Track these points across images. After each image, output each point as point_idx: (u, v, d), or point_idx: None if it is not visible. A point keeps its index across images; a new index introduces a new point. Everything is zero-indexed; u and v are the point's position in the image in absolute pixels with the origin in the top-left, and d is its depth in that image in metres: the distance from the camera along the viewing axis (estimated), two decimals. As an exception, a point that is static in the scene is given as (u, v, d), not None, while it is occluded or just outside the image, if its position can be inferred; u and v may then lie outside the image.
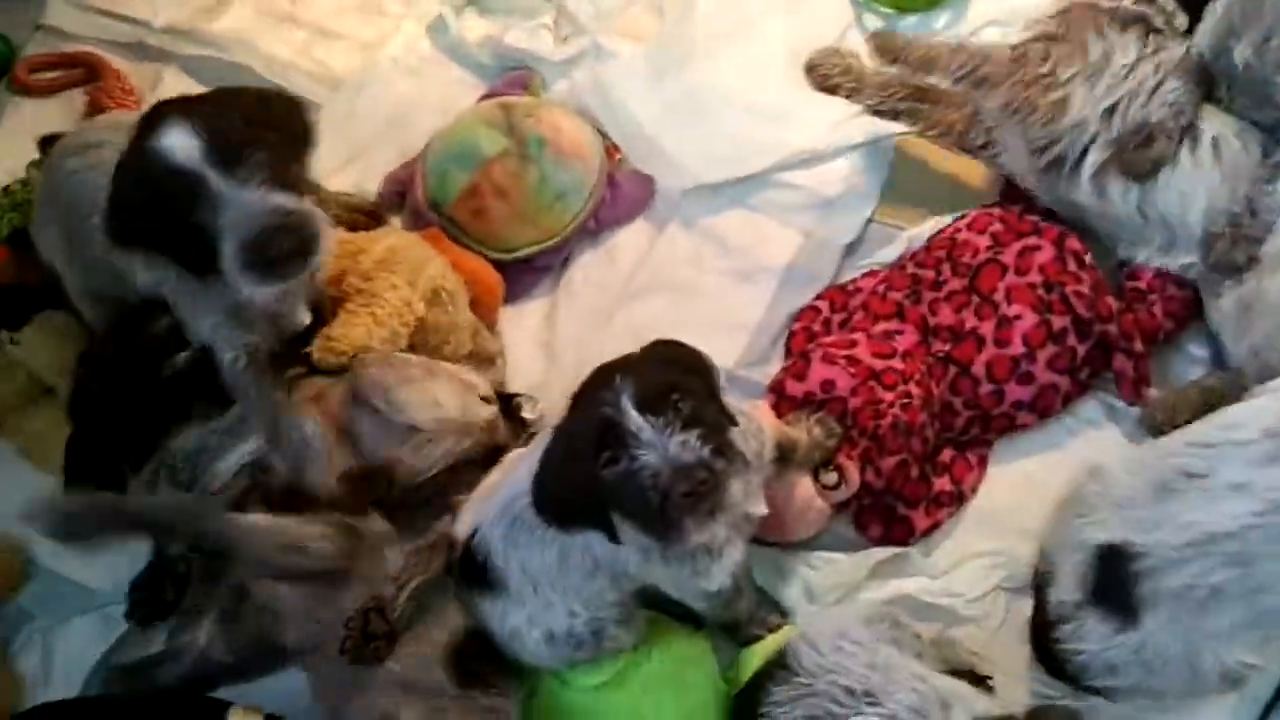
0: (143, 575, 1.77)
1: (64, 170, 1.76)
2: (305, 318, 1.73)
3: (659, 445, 1.28)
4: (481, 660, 1.60)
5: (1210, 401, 1.74)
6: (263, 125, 1.46)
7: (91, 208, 1.58)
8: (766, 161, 2.10)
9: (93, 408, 1.79)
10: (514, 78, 2.21)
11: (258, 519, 1.60)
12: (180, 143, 1.38)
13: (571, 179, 2.03)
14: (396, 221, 2.12)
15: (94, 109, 2.16)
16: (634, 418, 1.29)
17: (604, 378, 1.34)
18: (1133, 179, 1.85)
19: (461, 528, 1.59)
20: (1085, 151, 1.85)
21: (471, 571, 1.57)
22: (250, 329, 1.63)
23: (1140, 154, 1.83)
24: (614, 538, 1.38)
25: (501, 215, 2.00)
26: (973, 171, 2.12)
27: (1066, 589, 1.59)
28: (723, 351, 1.93)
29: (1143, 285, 1.90)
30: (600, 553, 1.48)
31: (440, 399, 1.73)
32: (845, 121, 2.15)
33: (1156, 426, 1.83)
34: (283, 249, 1.43)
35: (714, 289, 2.06)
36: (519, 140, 2.01)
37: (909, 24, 2.26)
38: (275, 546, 1.56)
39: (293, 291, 1.63)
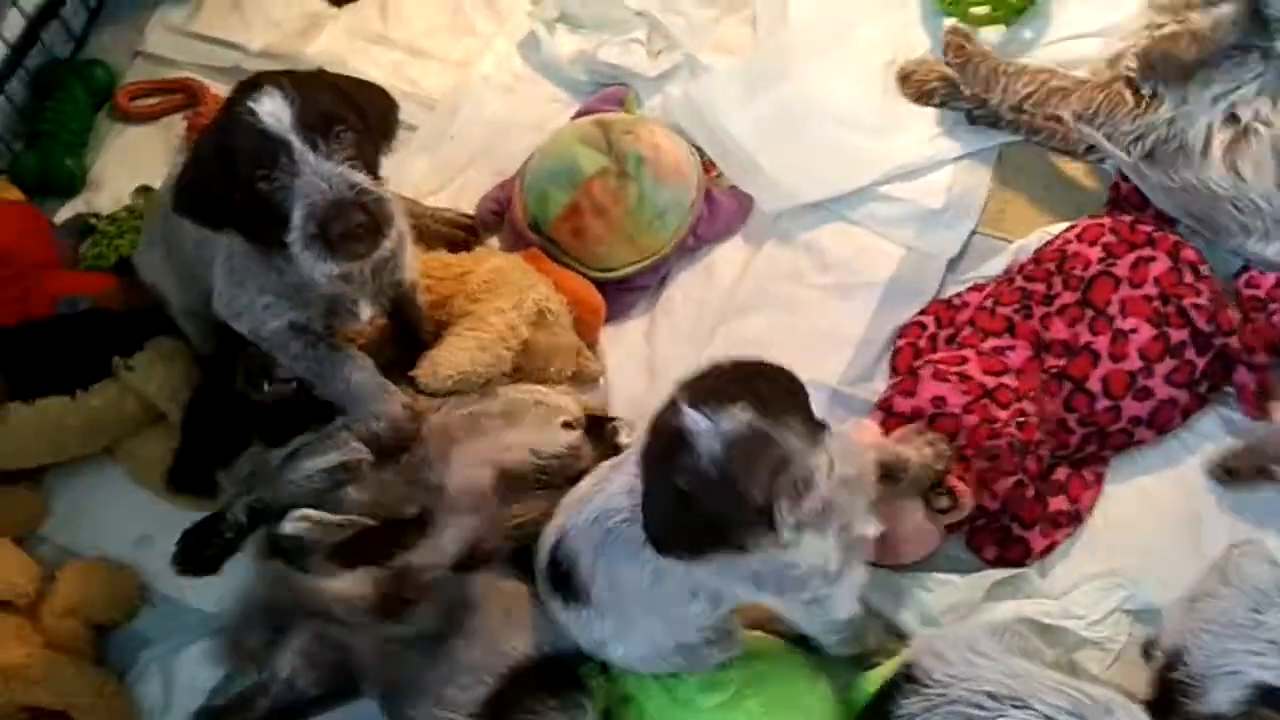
0: (195, 527, 1.75)
1: (168, 187, 1.79)
2: (366, 313, 1.70)
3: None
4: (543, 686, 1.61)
5: None
6: (352, 107, 1.50)
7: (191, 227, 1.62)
8: (864, 178, 2.08)
9: (201, 431, 1.84)
10: (609, 94, 2.20)
11: (347, 583, 1.58)
12: (271, 107, 1.42)
13: (671, 197, 2.01)
14: (495, 242, 2.12)
15: (195, 134, 2.18)
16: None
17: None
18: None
19: (549, 535, 1.59)
20: (1210, 131, 1.81)
21: (556, 579, 1.57)
22: (305, 308, 1.64)
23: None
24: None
25: (602, 234, 1.99)
26: (1079, 180, 2.09)
27: (1219, 705, 1.52)
28: (826, 368, 1.95)
29: (1262, 293, 1.85)
30: (701, 577, 1.46)
31: (475, 473, 1.70)
32: (944, 133, 2.13)
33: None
34: (350, 224, 1.43)
35: (814, 305, 2.03)
36: (618, 158, 2.00)
37: (993, 37, 2.21)
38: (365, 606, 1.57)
39: (357, 280, 1.63)
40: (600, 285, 2.02)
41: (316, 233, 1.43)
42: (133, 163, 2.22)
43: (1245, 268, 1.91)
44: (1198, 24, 1.77)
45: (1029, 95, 2.00)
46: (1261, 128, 1.80)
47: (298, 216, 1.43)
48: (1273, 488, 1.76)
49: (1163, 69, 1.81)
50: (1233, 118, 1.80)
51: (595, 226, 1.98)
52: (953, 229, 2.05)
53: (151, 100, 2.29)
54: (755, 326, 2.02)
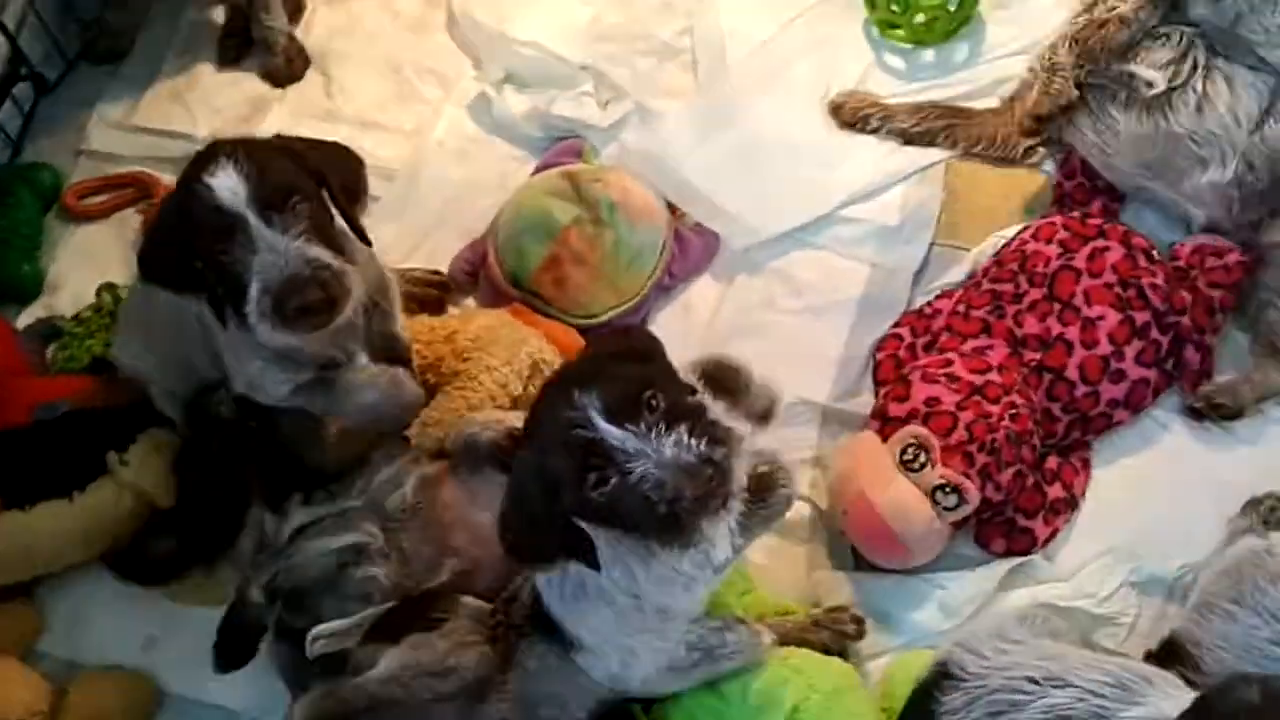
0: (226, 622, 1.73)
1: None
2: (363, 361, 1.72)
3: (650, 452, 1.21)
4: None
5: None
6: (311, 174, 1.52)
7: (164, 304, 1.64)
8: (822, 207, 2.16)
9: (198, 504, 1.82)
10: (565, 147, 2.25)
11: (391, 662, 1.56)
12: (227, 183, 1.44)
13: (645, 238, 2.07)
14: (471, 303, 2.14)
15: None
16: (611, 431, 1.21)
17: (561, 394, 1.25)
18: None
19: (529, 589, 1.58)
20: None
21: (548, 630, 1.56)
22: (300, 369, 1.65)
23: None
24: (595, 565, 1.33)
25: (583, 282, 2.03)
26: (1024, 185, 2.20)
27: None
28: (813, 387, 2.02)
29: (1182, 263, 1.99)
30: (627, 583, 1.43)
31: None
32: (889, 154, 2.23)
33: (1217, 406, 1.92)
34: (306, 300, 1.46)
35: (791, 329, 2.09)
36: (590, 205, 2.05)
37: (927, 58, 2.35)
38: (416, 677, 1.55)
39: (344, 334, 1.64)
40: (584, 333, 2.05)
41: (271, 308, 1.46)
42: (89, 262, 2.19)
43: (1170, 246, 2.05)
44: (1122, 8, 1.92)
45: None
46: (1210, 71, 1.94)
47: (254, 290, 1.46)
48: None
49: (1099, 53, 1.95)
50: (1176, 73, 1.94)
51: (576, 275, 2.02)
52: (912, 243, 2.15)
53: (101, 197, 2.26)
54: (737, 355, 2.06)
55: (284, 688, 1.74)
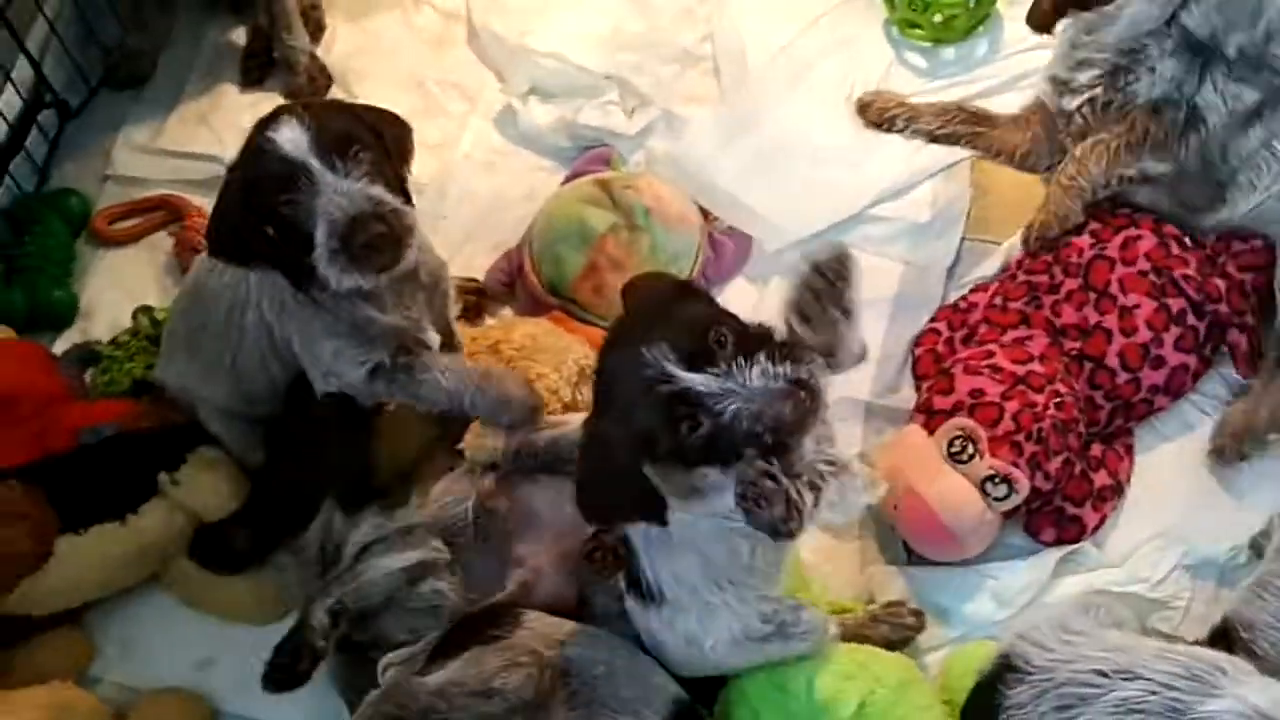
0: (284, 642, 1.71)
1: (193, 286, 1.81)
2: (434, 339, 1.75)
3: (738, 388, 1.21)
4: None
5: None
6: (368, 129, 1.56)
7: (213, 314, 1.71)
8: (851, 207, 2.18)
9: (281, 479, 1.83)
10: (594, 155, 2.26)
11: (443, 675, 1.55)
12: (289, 135, 1.49)
13: (681, 242, 2.08)
14: (508, 313, 2.15)
15: (184, 248, 2.16)
16: (693, 378, 1.22)
17: (629, 355, 1.25)
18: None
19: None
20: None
21: (631, 583, 1.58)
22: (374, 346, 1.67)
23: None
24: (664, 520, 1.33)
25: (616, 285, 2.03)
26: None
27: None
28: (854, 384, 2.02)
29: (1208, 249, 2.00)
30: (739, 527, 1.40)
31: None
32: (916, 152, 2.25)
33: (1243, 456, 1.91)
34: (371, 235, 1.49)
35: (828, 328, 2.11)
36: (625, 212, 2.06)
37: (948, 55, 2.38)
38: (461, 695, 1.54)
39: (412, 302, 1.68)
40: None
41: (339, 247, 1.50)
42: (122, 286, 2.19)
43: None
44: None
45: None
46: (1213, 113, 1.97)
47: (320, 233, 1.49)
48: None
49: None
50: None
51: (615, 281, 2.02)
52: (943, 238, 2.17)
53: (131, 222, 2.26)
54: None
55: (340, 703, 1.74)
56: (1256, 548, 1.80)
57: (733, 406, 1.21)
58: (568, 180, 2.23)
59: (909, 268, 2.15)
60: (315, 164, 1.48)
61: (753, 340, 1.26)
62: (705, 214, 2.17)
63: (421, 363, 1.68)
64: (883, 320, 2.10)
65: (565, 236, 2.07)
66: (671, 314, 1.29)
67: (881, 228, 2.19)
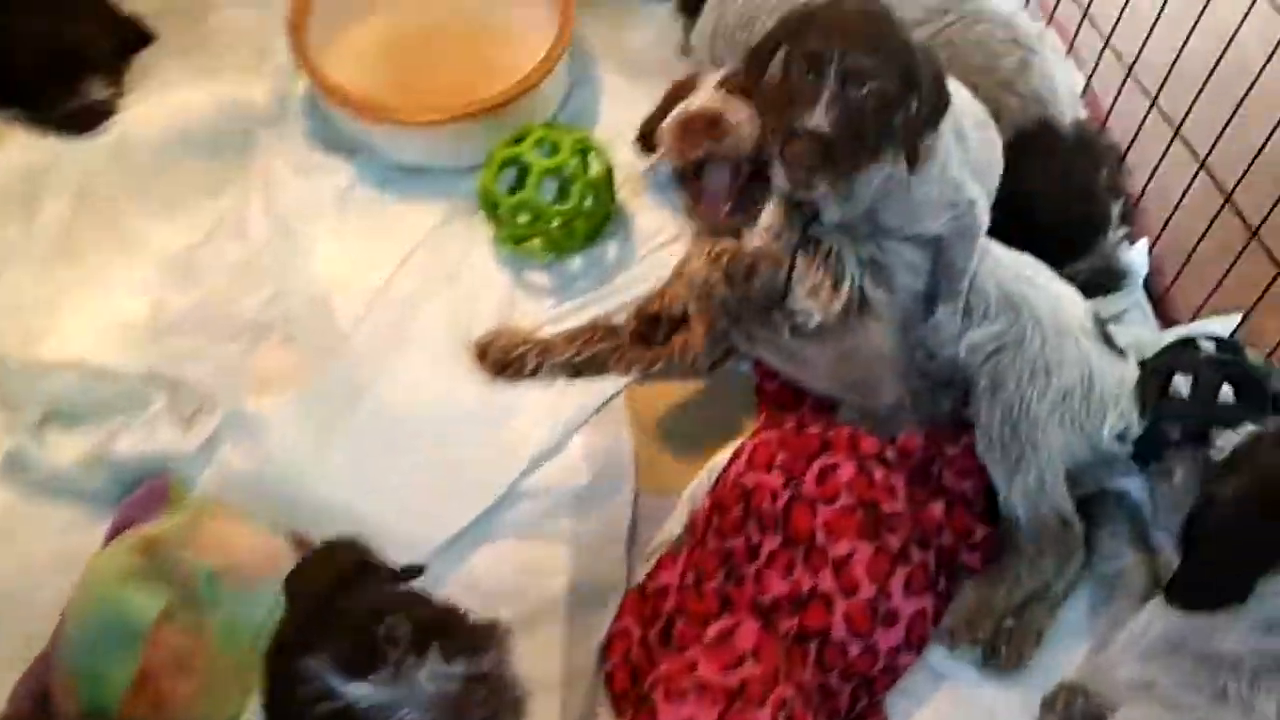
0: None
1: None
2: None
3: (408, 694, 1.12)
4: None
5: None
6: None
7: None
8: (498, 487, 1.74)
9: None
10: (144, 494, 1.69)
11: None
12: None
13: (267, 599, 1.54)
14: (47, 750, 1.54)
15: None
16: (358, 690, 1.12)
17: (288, 669, 1.16)
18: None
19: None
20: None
21: None
22: None
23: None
24: None
25: (193, 693, 1.47)
26: (724, 395, 1.87)
27: None
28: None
29: (916, 457, 1.70)
30: None
31: None
32: (560, 398, 1.84)
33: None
34: None
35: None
36: (182, 584, 1.50)
37: (575, 266, 2.02)
38: None
39: None
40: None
41: None
42: None
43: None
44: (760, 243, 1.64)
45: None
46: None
47: None
48: None
49: (748, 289, 1.65)
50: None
51: (181, 688, 1.47)
52: (612, 499, 1.75)
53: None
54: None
55: None
56: None
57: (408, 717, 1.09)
58: (111, 538, 1.66)
59: (578, 550, 1.72)
60: None
61: (430, 625, 1.15)
62: (302, 543, 1.66)
63: None
64: (558, 627, 1.65)
65: (102, 640, 1.47)
66: (335, 609, 1.18)
67: (535, 504, 1.75)
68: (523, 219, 1.96)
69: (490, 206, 1.98)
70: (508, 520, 1.73)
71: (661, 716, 1.46)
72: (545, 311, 1.95)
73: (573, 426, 1.80)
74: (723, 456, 1.76)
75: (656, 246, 2.02)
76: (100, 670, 1.47)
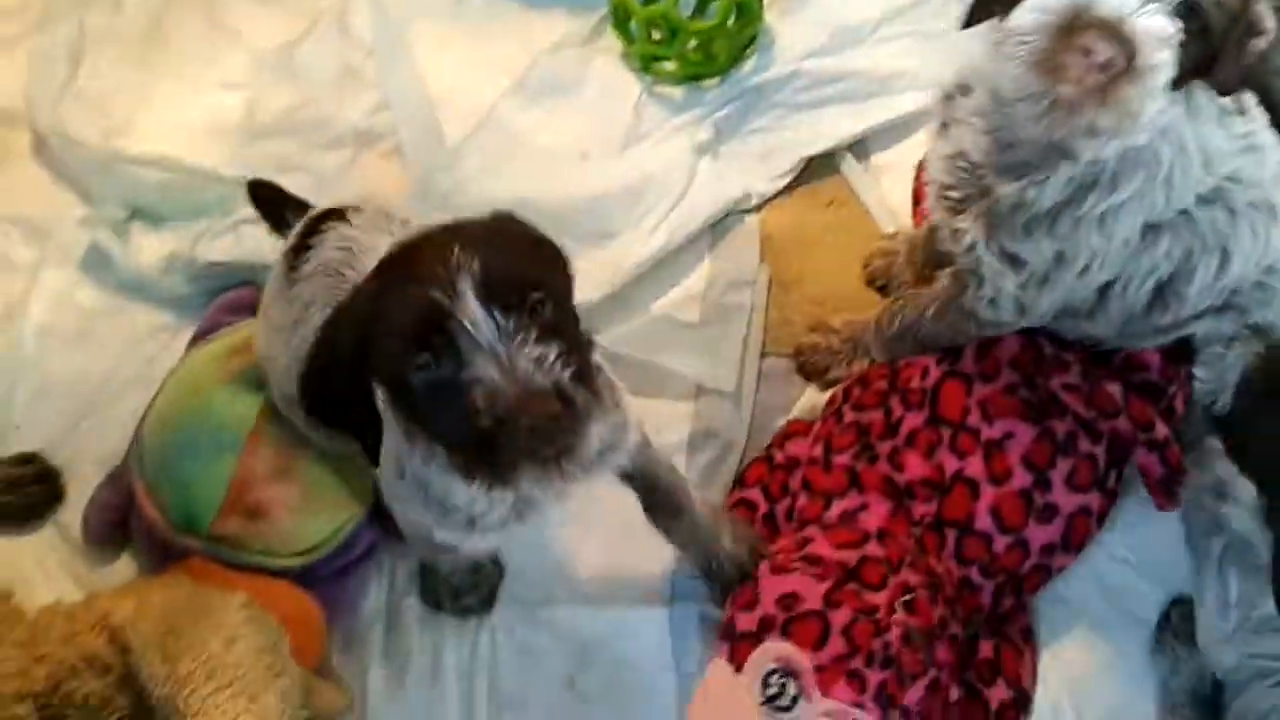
0: None
1: None
2: None
3: (502, 353, 0.98)
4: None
5: None
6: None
7: None
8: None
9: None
10: (229, 301, 1.65)
11: None
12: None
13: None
14: (121, 567, 1.52)
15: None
16: (473, 310, 0.98)
17: (435, 246, 1.02)
18: None
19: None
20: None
21: None
22: None
23: None
24: (374, 458, 1.17)
25: (293, 499, 1.44)
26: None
27: None
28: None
29: (1154, 375, 1.50)
30: None
31: None
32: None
33: None
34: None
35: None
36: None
37: (715, 89, 1.85)
38: None
39: None
40: (300, 579, 1.44)
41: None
42: None
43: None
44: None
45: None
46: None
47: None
48: None
49: None
50: None
51: (281, 492, 1.43)
52: (721, 349, 1.65)
53: None
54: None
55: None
56: None
57: (481, 366, 0.97)
58: (194, 343, 1.60)
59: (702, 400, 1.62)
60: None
61: (564, 336, 1.01)
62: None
63: None
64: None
65: (195, 444, 1.44)
66: (519, 251, 1.06)
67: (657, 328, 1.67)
68: (657, 35, 1.79)
69: (622, 17, 1.82)
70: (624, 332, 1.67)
71: (764, 589, 1.38)
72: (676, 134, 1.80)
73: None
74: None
75: (793, 69, 1.84)
76: (194, 479, 1.43)
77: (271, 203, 1.55)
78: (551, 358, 0.98)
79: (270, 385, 1.43)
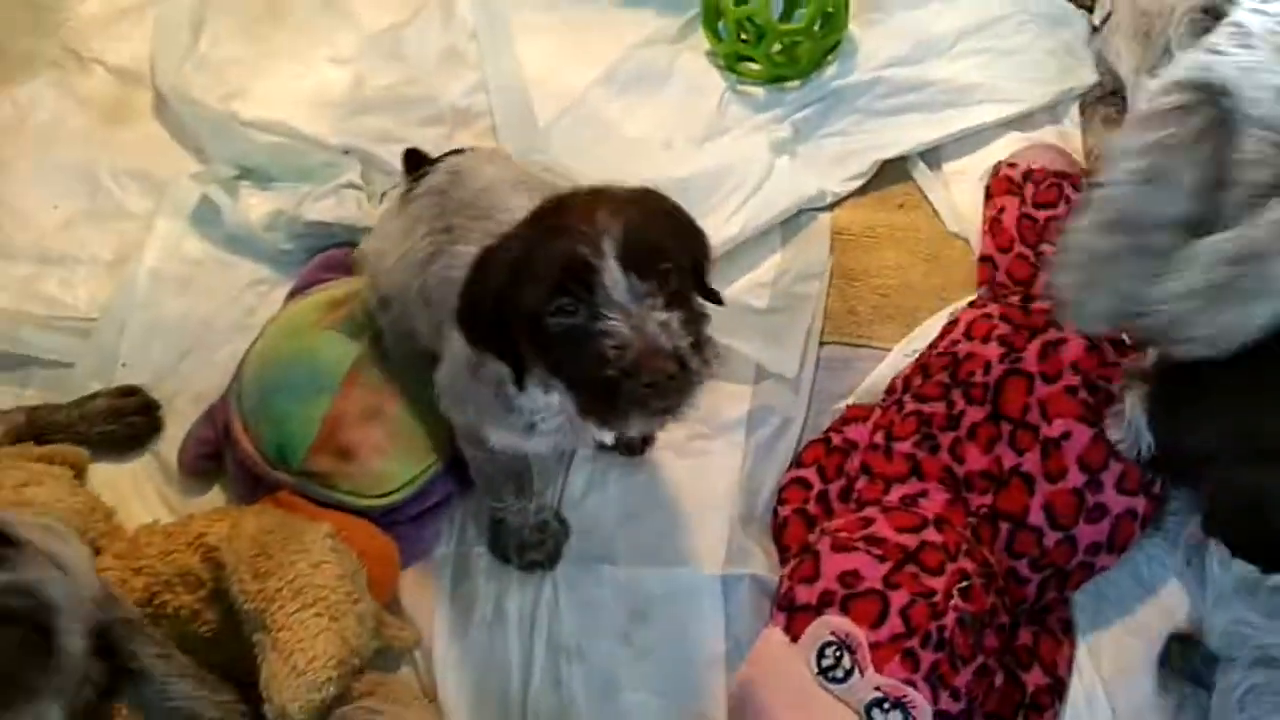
0: None
1: None
2: None
3: (634, 312, 1.08)
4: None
5: None
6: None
7: None
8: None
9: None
10: (326, 260, 1.74)
11: None
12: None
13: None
14: (212, 497, 1.61)
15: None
16: (614, 267, 1.08)
17: (584, 206, 1.13)
18: None
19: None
20: None
21: None
22: None
23: None
24: (520, 383, 1.22)
25: (381, 442, 1.53)
26: (942, 256, 1.78)
27: None
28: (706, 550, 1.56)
29: None
30: None
31: None
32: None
33: None
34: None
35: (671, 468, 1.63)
36: (374, 340, 1.56)
37: (796, 91, 1.93)
38: None
39: None
40: (379, 520, 1.53)
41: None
42: None
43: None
44: None
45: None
46: None
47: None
48: None
49: None
50: None
51: (371, 435, 1.53)
52: (786, 336, 1.71)
53: None
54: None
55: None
56: None
57: (614, 320, 1.08)
58: (292, 296, 1.70)
59: (762, 384, 1.68)
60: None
61: (684, 305, 1.13)
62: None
63: None
64: (732, 454, 1.63)
65: (293, 385, 1.54)
66: (659, 224, 1.16)
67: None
68: (745, 36, 1.88)
69: (713, 17, 1.90)
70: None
71: (825, 565, 1.43)
72: (755, 131, 1.88)
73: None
74: (934, 323, 1.69)
75: (879, 73, 1.91)
76: (290, 416, 1.53)
77: (420, 163, 1.62)
78: (675, 324, 1.08)
79: (369, 289, 1.54)
